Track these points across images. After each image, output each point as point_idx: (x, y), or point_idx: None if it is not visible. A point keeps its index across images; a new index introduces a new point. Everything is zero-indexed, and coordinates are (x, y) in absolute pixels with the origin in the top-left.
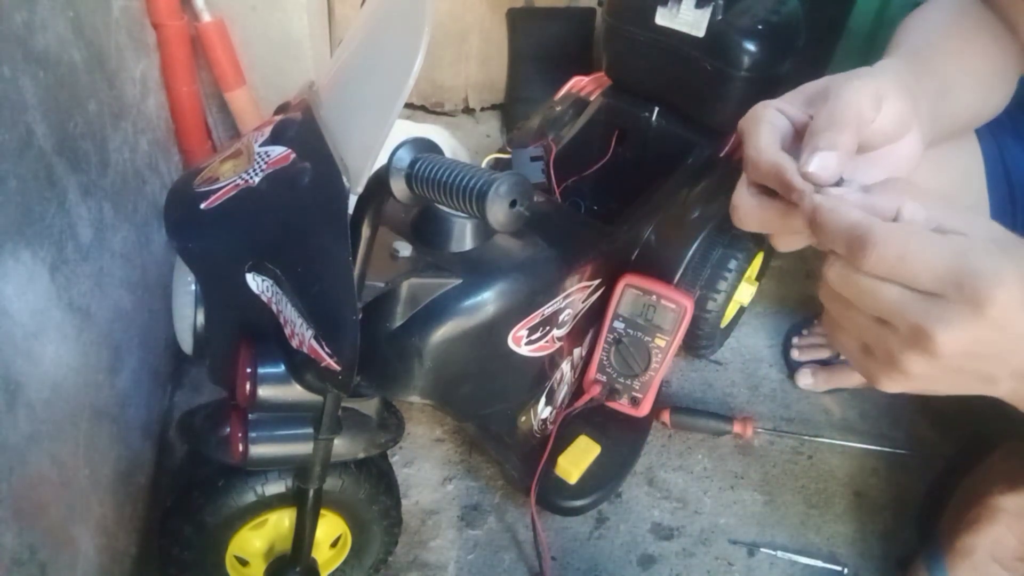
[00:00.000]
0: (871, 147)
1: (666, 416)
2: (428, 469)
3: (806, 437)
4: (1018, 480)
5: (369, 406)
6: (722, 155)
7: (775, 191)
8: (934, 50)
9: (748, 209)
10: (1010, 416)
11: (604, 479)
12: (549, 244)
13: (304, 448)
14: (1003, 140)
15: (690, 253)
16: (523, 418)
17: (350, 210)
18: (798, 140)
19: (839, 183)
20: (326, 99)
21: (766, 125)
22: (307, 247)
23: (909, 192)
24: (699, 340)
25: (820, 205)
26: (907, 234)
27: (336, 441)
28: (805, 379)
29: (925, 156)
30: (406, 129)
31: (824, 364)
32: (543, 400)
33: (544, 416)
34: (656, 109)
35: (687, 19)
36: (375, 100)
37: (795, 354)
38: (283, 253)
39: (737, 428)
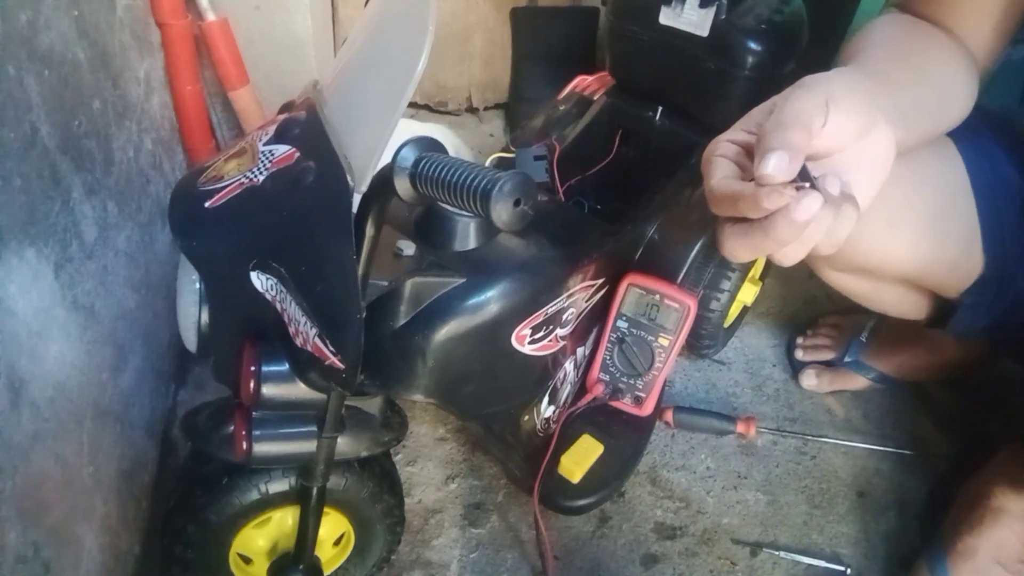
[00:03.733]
0: (829, 151)
1: (669, 416)
2: (431, 468)
3: (809, 437)
4: (1021, 483)
5: (372, 405)
6: None
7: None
8: (885, 55)
9: (735, 243)
10: (1014, 413)
11: (607, 478)
12: (553, 243)
13: (308, 446)
14: (984, 144)
15: (693, 252)
16: (526, 417)
17: (354, 209)
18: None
19: (811, 182)
20: (330, 98)
21: (717, 161)
22: (311, 246)
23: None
24: (702, 340)
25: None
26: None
27: (340, 440)
28: (809, 380)
29: (906, 175)
30: (410, 128)
31: (828, 365)
32: (546, 399)
33: (547, 415)
34: (660, 109)
35: (691, 19)
36: (379, 99)
37: (799, 354)
38: (287, 252)
39: (740, 428)
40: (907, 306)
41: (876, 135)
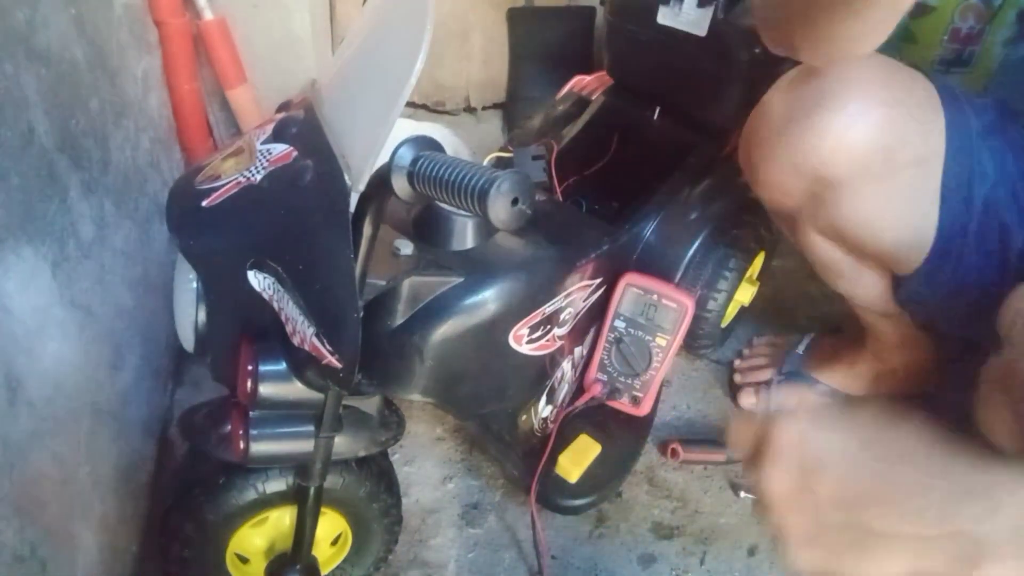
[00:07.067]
0: None
1: (677, 449)
2: (429, 467)
3: None
4: None
5: (370, 404)
6: (723, 155)
7: None
8: None
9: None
10: None
11: (604, 478)
12: (550, 243)
13: (305, 446)
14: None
15: (691, 252)
16: (524, 417)
17: (352, 208)
18: None
19: None
20: (328, 97)
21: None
22: (309, 245)
23: None
24: (700, 339)
25: None
26: None
27: (337, 439)
28: (747, 399)
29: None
30: (408, 128)
31: (766, 384)
32: (544, 399)
33: (545, 415)
34: (658, 108)
35: (689, 18)
36: (377, 98)
37: (737, 378)
38: (285, 251)
39: None
40: (869, 286)
41: None
